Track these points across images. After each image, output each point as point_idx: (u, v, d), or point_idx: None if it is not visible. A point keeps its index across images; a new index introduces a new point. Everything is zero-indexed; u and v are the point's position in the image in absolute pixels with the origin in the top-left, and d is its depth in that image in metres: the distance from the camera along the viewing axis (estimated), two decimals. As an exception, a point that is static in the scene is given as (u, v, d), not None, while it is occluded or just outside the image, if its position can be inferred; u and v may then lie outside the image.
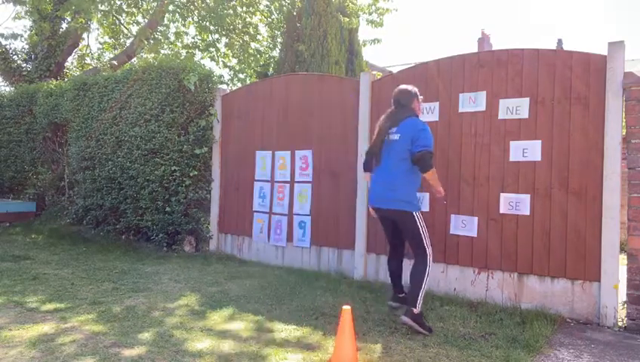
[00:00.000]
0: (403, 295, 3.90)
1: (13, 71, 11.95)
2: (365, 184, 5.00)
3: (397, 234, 3.88)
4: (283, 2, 10.71)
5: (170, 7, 10.98)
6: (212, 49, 12.47)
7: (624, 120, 3.88)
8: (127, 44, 12.83)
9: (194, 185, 6.46)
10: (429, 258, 3.60)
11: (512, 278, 4.17)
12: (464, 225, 4.41)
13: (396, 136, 3.66)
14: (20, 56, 12.44)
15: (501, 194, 4.25)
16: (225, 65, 12.80)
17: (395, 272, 4.00)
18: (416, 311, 3.43)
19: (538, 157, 4.10)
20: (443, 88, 4.61)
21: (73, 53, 13.56)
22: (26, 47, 12.64)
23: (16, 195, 9.34)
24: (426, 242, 3.61)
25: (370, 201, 3.96)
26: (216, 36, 12.04)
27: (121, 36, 14.09)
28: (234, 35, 11.78)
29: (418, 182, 3.75)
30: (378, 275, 4.95)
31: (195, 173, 6.41)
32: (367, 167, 4.05)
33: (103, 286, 4.60)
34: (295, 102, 5.72)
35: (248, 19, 11.95)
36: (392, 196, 3.64)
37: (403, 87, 3.87)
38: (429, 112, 4.67)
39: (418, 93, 3.84)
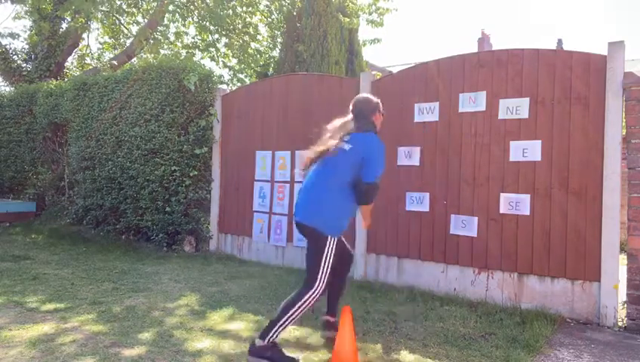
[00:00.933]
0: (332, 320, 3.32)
1: (13, 71, 11.96)
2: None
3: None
4: (283, 2, 10.72)
5: (170, 7, 10.98)
6: (212, 49, 12.48)
7: (624, 120, 3.88)
8: (127, 44, 12.83)
9: (194, 185, 6.46)
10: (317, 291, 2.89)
11: (512, 278, 4.17)
12: (464, 225, 4.41)
13: (346, 146, 3.05)
14: (20, 56, 12.45)
15: (501, 194, 4.25)
16: (225, 65, 12.80)
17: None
18: (263, 342, 2.81)
19: (538, 158, 4.10)
20: (443, 88, 4.61)
21: (73, 53, 13.57)
22: (26, 47, 12.65)
23: (16, 195, 9.34)
24: (322, 278, 2.89)
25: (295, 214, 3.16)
26: (216, 36, 12.05)
27: (121, 36, 14.10)
28: (234, 35, 11.78)
29: (349, 209, 3.13)
30: (378, 275, 4.95)
31: (195, 173, 6.41)
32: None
33: (103, 286, 4.60)
34: (295, 102, 5.72)
35: (248, 20, 11.95)
36: (315, 211, 3.01)
37: (365, 95, 3.35)
38: (429, 112, 4.67)
39: (380, 106, 3.28)
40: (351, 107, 3.28)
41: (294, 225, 3.30)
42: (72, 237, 7.22)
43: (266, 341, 2.80)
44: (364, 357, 2.99)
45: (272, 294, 4.41)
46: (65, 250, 6.45)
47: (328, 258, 2.91)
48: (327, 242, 2.92)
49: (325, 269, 2.90)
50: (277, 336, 2.83)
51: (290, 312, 2.82)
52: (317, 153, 3.18)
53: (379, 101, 3.30)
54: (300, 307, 2.83)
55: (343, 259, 3.27)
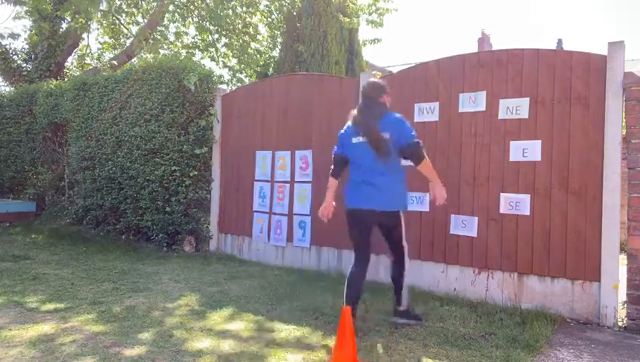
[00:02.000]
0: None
1: (13, 71, 11.95)
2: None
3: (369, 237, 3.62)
4: (283, 2, 10.72)
5: (170, 8, 10.98)
6: (212, 49, 12.48)
7: (624, 120, 3.88)
8: (127, 44, 12.83)
9: (194, 185, 6.46)
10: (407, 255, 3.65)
11: (512, 278, 4.17)
12: (464, 225, 4.41)
13: (386, 135, 3.37)
14: (20, 56, 12.45)
15: (501, 194, 4.25)
16: (225, 65, 12.80)
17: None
18: (404, 307, 3.60)
19: (538, 157, 4.10)
20: (443, 88, 4.61)
21: (73, 53, 13.57)
22: (26, 47, 12.65)
23: (16, 195, 9.34)
24: (406, 245, 3.64)
25: (353, 203, 3.56)
26: (216, 36, 12.05)
27: (121, 36, 14.10)
28: (234, 35, 11.78)
29: (405, 183, 3.61)
30: (378, 275, 4.94)
31: (195, 173, 6.41)
32: (337, 172, 3.69)
33: (103, 286, 4.60)
34: (295, 102, 5.72)
35: (248, 20, 11.95)
36: (386, 198, 3.45)
37: (370, 81, 3.64)
38: (429, 112, 4.67)
39: (387, 88, 3.58)
40: (361, 93, 3.67)
41: (354, 214, 3.61)
42: (72, 237, 7.22)
43: (405, 306, 3.58)
44: (364, 357, 2.99)
45: (272, 294, 4.41)
46: (65, 249, 6.45)
47: (404, 229, 3.56)
48: (402, 217, 3.54)
49: (405, 238, 3.59)
50: (408, 300, 3.60)
51: (404, 280, 3.59)
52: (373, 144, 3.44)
53: (385, 83, 3.63)
54: (405, 275, 3.61)
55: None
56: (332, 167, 3.72)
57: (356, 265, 3.60)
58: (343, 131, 3.62)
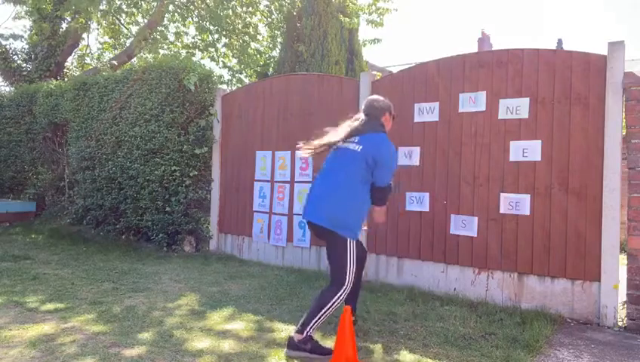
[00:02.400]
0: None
1: (13, 71, 11.95)
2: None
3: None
4: (283, 2, 10.71)
5: (170, 8, 10.97)
6: (212, 49, 12.48)
7: (624, 120, 3.88)
8: (127, 44, 12.83)
9: (194, 185, 6.46)
10: (345, 290, 3.04)
11: (512, 278, 4.17)
12: (464, 225, 4.41)
13: (358, 148, 3.09)
14: (19, 56, 12.44)
15: (501, 194, 4.25)
16: (225, 65, 12.79)
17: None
18: (301, 336, 2.98)
19: (538, 157, 4.10)
20: (443, 88, 4.61)
21: (73, 53, 13.56)
22: (26, 47, 12.64)
23: (16, 195, 9.33)
24: (349, 274, 3.04)
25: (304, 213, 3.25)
26: (216, 36, 12.05)
27: (121, 36, 14.09)
28: (234, 35, 11.78)
29: (362, 210, 3.18)
30: (378, 275, 4.95)
31: (195, 173, 6.41)
32: None
33: (103, 286, 4.60)
34: (295, 102, 5.72)
35: (248, 20, 11.95)
36: (330, 212, 3.06)
37: (376, 96, 3.39)
38: (429, 112, 4.67)
39: (391, 108, 3.32)
40: (362, 107, 3.35)
41: (306, 225, 3.35)
42: (72, 237, 7.22)
43: (304, 334, 2.97)
44: (364, 357, 2.99)
45: (272, 294, 4.41)
46: (65, 249, 6.45)
47: (352, 257, 3.05)
48: (347, 244, 3.04)
49: (351, 267, 3.05)
50: (313, 330, 3.00)
51: (325, 309, 2.99)
52: (322, 145, 3.28)
53: (390, 104, 3.34)
54: (333, 304, 3.00)
55: (359, 256, 3.26)
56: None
57: None
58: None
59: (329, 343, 3.19)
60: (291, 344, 2.99)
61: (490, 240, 4.28)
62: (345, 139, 3.20)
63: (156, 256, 6.15)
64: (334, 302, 3.00)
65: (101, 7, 10.55)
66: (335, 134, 3.25)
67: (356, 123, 3.24)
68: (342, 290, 3.02)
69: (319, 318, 2.98)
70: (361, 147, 3.10)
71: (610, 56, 3.82)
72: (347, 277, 3.03)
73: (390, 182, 3.18)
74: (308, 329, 2.96)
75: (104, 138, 7.16)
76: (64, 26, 12.11)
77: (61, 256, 6.01)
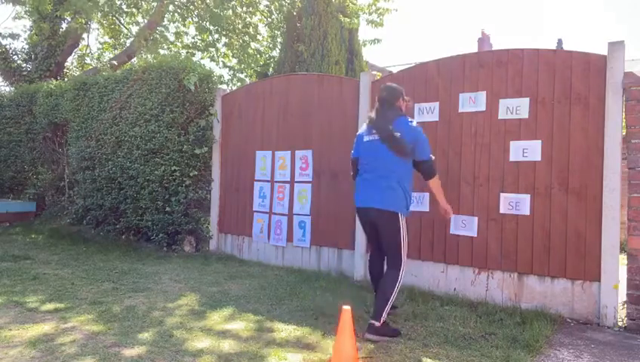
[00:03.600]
0: None
1: (13, 71, 11.95)
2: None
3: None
4: (283, 2, 10.71)
5: (170, 8, 10.97)
6: (212, 49, 12.48)
7: (624, 120, 3.88)
8: (127, 44, 12.83)
9: (194, 185, 6.46)
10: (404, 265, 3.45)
11: (512, 278, 4.17)
12: (464, 225, 4.41)
13: (396, 134, 3.43)
14: (19, 56, 12.44)
15: (501, 194, 4.25)
16: (225, 65, 12.80)
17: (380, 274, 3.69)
18: (379, 323, 3.27)
19: (538, 157, 4.10)
20: (443, 88, 4.61)
21: (73, 53, 13.56)
22: (26, 47, 12.64)
23: (16, 195, 9.33)
24: (404, 254, 3.45)
25: (358, 202, 3.65)
26: (216, 36, 12.05)
27: (121, 36, 14.09)
28: (234, 35, 11.78)
29: (409, 187, 3.55)
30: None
31: (195, 173, 6.41)
32: (354, 174, 3.79)
33: (103, 286, 4.60)
34: (295, 102, 5.72)
35: (248, 20, 11.95)
36: (387, 196, 3.45)
37: (388, 84, 3.72)
38: (429, 112, 4.67)
39: (404, 93, 3.69)
40: (377, 96, 3.68)
41: (357, 213, 3.74)
42: (72, 237, 7.22)
43: (381, 321, 3.27)
44: (365, 357, 2.99)
45: (272, 294, 4.41)
46: (65, 249, 6.45)
47: (405, 234, 3.45)
48: (400, 220, 3.44)
49: (405, 245, 3.45)
50: (386, 315, 3.32)
51: (393, 291, 3.35)
52: (376, 139, 3.54)
53: (402, 88, 3.71)
54: (397, 285, 3.38)
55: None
56: (351, 172, 3.89)
57: (370, 258, 3.85)
58: (358, 133, 3.77)
59: (329, 343, 3.19)
60: (371, 329, 3.26)
61: (490, 240, 4.28)
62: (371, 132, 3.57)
63: (156, 256, 6.15)
64: (398, 285, 3.38)
65: (101, 7, 10.53)
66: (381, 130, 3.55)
67: (377, 115, 3.59)
68: (401, 270, 3.41)
69: (389, 303, 3.33)
70: (399, 133, 3.43)
71: (610, 56, 3.82)
72: (402, 255, 3.43)
73: (431, 156, 3.54)
74: (383, 316, 3.28)
75: (104, 138, 7.16)
76: (64, 26, 12.11)
77: (61, 256, 6.01)
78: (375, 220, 3.51)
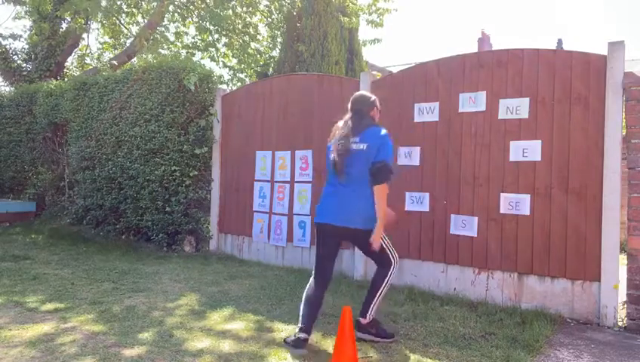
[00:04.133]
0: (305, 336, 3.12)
1: (13, 71, 11.95)
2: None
3: (334, 254, 3.35)
4: (283, 2, 10.72)
5: (170, 8, 10.97)
6: (212, 49, 12.47)
7: (624, 120, 3.88)
8: (127, 44, 12.83)
9: (194, 185, 6.46)
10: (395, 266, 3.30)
11: (512, 278, 4.17)
12: (464, 225, 4.41)
13: (362, 146, 3.17)
14: (19, 56, 12.45)
15: (501, 194, 4.25)
16: (225, 65, 12.80)
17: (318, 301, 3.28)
18: (365, 320, 3.21)
19: (538, 157, 4.10)
20: (443, 88, 4.61)
21: (73, 53, 13.56)
22: (26, 47, 12.64)
23: (16, 195, 9.33)
24: (392, 253, 3.30)
25: (318, 217, 3.35)
26: (216, 36, 12.05)
27: (121, 36, 14.09)
28: (234, 35, 11.78)
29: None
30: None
31: (195, 173, 6.41)
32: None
33: (103, 286, 4.60)
34: (295, 102, 5.72)
35: (248, 20, 11.95)
36: (354, 213, 3.17)
37: (361, 92, 3.51)
38: (429, 112, 4.67)
39: (377, 102, 3.43)
40: (349, 105, 3.41)
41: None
42: (72, 237, 7.22)
43: (368, 318, 3.23)
44: (365, 357, 2.99)
45: (272, 294, 4.41)
46: (65, 249, 6.45)
47: (385, 239, 3.27)
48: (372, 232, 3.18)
49: (390, 246, 3.31)
50: (374, 312, 3.26)
51: (380, 290, 3.27)
52: (340, 156, 3.23)
53: (375, 97, 3.46)
54: (385, 284, 3.28)
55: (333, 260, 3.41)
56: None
57: (314, 285, 3.29)
58: (329, 143, 3.43)
59: (329, 343, 3.19)
60: (359, 326, 3.21)
61: (490, 240, 4.28)
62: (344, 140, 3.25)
63: (156, 256, 6.15)
64: (386, 282, 3.28)
65: (102, 5, 10.52)
66: (341, 145, 3.25)
67: (349, 122, 3.31)
68: (392, 268, 3.30)
69: (376, 300, 3.26)
70: (366, 144, 3.17)
71: (610, 56, 3.82)
72: (391, 256, 3.30)
73: (387, 161, 3.14)
74: (370, 311, 3.23)
75: (104, 138, 7.16)
76: (64, 26, 12.11)
77: (61, 256, 6.01)
78: (342, 237, 3.36)
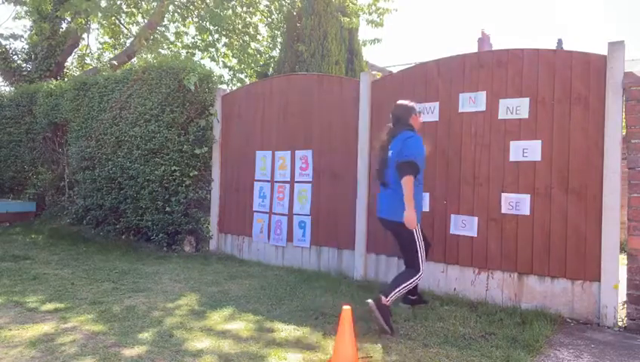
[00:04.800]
0: (415, 297, 4.06)
1: (13, 71, 11.95)
2: (366, 183, 5.01)
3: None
4: (283, 2, 10.72)
5: (170, 8, 10.97)
6: (212, 49, 12.47)
7: (624, 120, 3.88)
8: (127, 44, 12.83)
9: (194, 185, 6.46)
10: (421, 270, 3.72)
11: (512, 278, 4.17)
12: (464, 225, 4.41)
13: (390, 153, 3.73)
14: (20, 56, 12.44)
15: (501, 194, 4.25)
16: (225, 65, 12.79)
17: None
18: (386, 299, 3.45)
19: (538, 157, 4.10)
20: (443, 88, 4.61)
21: (73, 53, 13.56)
22: (26, 47, 12.64)
23: (16, 195, 9.33)
24: (421, 261, 3.70)
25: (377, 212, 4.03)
26: (216, 36, 12.05)
27: (121, 36, 14.09)
28: (234, 35, 11.78)
29: (418, 197, 3.74)
30: (378, 275, 4.95)
31: (195, 173, 6.41)
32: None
33: (103, 286, 4.60)
34: (295, 102, 5.72)
35: (248, 20, 11.95)
36: (395, 210, 3.68)
37: (401, 101, 3.94)
38: (428, 112, 4.67)
39: (416, 108, 3.87)
40: (391, 115, 3.90)
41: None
42: (72, 237, 7.22)
43: (388, 300, 3.45)
44: (365, 357, 2.99)
45: (272, 294, 4.41)
46: (65, 249, 6.45)
47: (420, 242, 3.67)
48: (414, 231, 3.64)
49: (422, 252, 3.68)
50: (394, 299, 3.51)
51: (406, 283, 3.58)
52: (379, 167, 3.88)
53: (414, 104, 3.88)
54: (412, 282, 3.61)
55: (425, 243, 3.85)
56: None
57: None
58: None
59: (329, 343, 3.19)
60: (377, 301, 3.40)
61: (490, 240, 4.28)
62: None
63: (156, 256, 6.15)
64: (410, 283, 3.60)
65: (101, 6, 10.53)
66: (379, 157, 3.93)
67: (388, 133, 3.85)
68: (418, 274, 3.65)
69: (400, 290, 3.54)
70: (392, 151, 3.70)
71: (610, 56, 3.82)
72: (420, 261, 3.67)
73: (410, 158, 3.57)
74: (390, 296, 3.46)
75: (104, 138, 7.16)
76: (64, 26, 12.11)
77: (61, 256, 6.01)
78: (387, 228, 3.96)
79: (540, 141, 4.09)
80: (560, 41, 18.04)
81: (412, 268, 3.69)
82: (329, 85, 5.47)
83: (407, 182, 3.56)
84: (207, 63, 19.25)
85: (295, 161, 5.64)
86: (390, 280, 3.76)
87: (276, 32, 11.97)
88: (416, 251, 3.66)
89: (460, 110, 4.50)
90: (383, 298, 3.42)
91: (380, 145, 3.93)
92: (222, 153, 6.44)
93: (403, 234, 3.69)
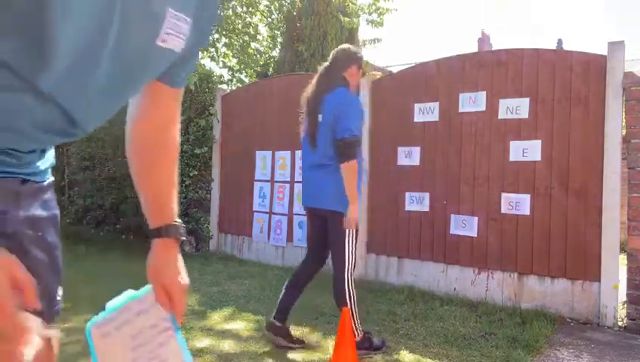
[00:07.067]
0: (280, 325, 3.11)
1: (14, 71, 11.94)
2: (367, 183, 5.00)
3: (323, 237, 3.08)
4: (283, 2, 10.71)
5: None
6: (212, 49, 12.46)
7: (624, 120, 3.88)
8: (127, 44, 12.81)
9: (194, 185, 6.46)
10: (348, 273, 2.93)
11: (512, 278, 4.17)
12: (464, 225, 4.41)
13: (319, 118, 2.83)
14: (20, 56, 12.44)
15: (501, 194, 4.25)
16: (225, 65, 12.78)
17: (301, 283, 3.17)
18: (358, 337, 2.91)
19: (538, 157, 4.10)
20: (443, 88, 4.61)
21: (73, 53, 13.55)
22: (26, 47, 12.63)
23: (16, 195, 9.32)
24: (349, 260, 2.92)
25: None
26: (216, 36, 12.04)
27: (121, 36, 14.08)
28: (234, 35, 11.78)
29: (359, 183, 2.91)
30: (378, 275, 4.95)
31: (195, 173, 6.41)
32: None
33: (103, 286, 4.60)
34: (295, 102, 5.68)
35: (248, 20, 11.94)
36: (318, 194, 2.93)
37: (346, 45, 3.11)
38: (429, 112, 4.67)
39: (361, 60, 2.99)
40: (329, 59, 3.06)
41: (306, 217, 3.23)
42: (72, 237, 7.21)
43: (358, 335, 2.91)
44: (365, 357, 2.99)
45: (272, 294, 4.41)
46: (65, 250, 6.30)
47: (351, 247, 2.91)
48: (348, 232, 2.89)
49: (351, 258, 2.91)
50: (359, 325, 2.93)
51: (348, 300, 2.88)
52: (311, 129, 2.98)
53: (362, 55, 3.05)
54: (348, 289, 2.89)
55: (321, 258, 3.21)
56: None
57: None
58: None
59: (329, 343, 3.19)
60: (357, 345, 2.79)
61: (490, 240, 4.28)
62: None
63: (156, 256, 6.14)
64: (349, 285, 2.89)
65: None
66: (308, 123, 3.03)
67: (315, 85, 2.98)
68: (346, 270, 2.89)
69: (352, 311, 2.86)
70: (321, 115, 2.83)
71: (610, 56, 3.82)
72: (347, 254, 2.90)
73: (350, 136, 2.73)
74: (356, 327, 2.90)
75: (104, 138, 7.16)
76: (64, 25, 12.10)
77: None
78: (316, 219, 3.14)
79: (540, 141, 4.10)
80: (560, 41, 18.05)
81: (338, 267, 2.93)
82: (329, 85, 5.46)
83: (350, 170, 2.74)
84: (207, 63, 19.24)
85: (295, 161, 5.63)
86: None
87: (276, 32, 11.97)
88: (341, 246, 2.88)
89: (460, 110, 4.50)
90: (356, 338, 2.85)
91: (306, 103, 3.01)
92: (222, 153, 6.44)
93: (334, 229, 2.89)
